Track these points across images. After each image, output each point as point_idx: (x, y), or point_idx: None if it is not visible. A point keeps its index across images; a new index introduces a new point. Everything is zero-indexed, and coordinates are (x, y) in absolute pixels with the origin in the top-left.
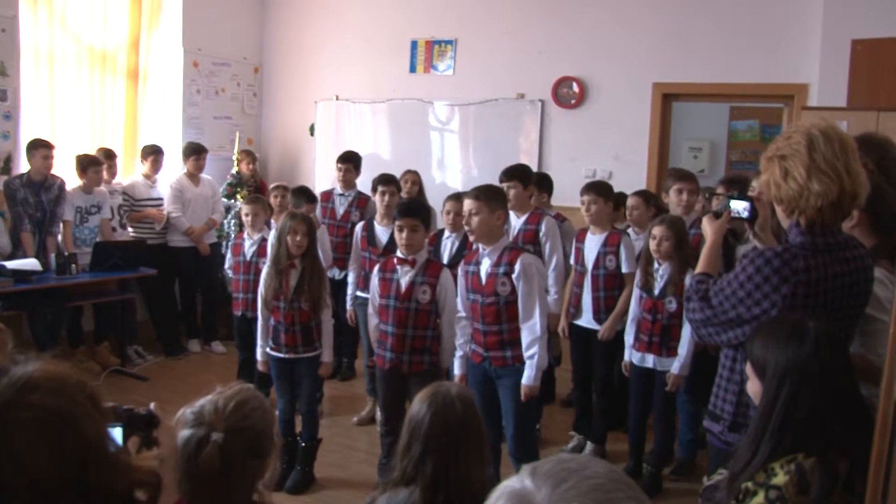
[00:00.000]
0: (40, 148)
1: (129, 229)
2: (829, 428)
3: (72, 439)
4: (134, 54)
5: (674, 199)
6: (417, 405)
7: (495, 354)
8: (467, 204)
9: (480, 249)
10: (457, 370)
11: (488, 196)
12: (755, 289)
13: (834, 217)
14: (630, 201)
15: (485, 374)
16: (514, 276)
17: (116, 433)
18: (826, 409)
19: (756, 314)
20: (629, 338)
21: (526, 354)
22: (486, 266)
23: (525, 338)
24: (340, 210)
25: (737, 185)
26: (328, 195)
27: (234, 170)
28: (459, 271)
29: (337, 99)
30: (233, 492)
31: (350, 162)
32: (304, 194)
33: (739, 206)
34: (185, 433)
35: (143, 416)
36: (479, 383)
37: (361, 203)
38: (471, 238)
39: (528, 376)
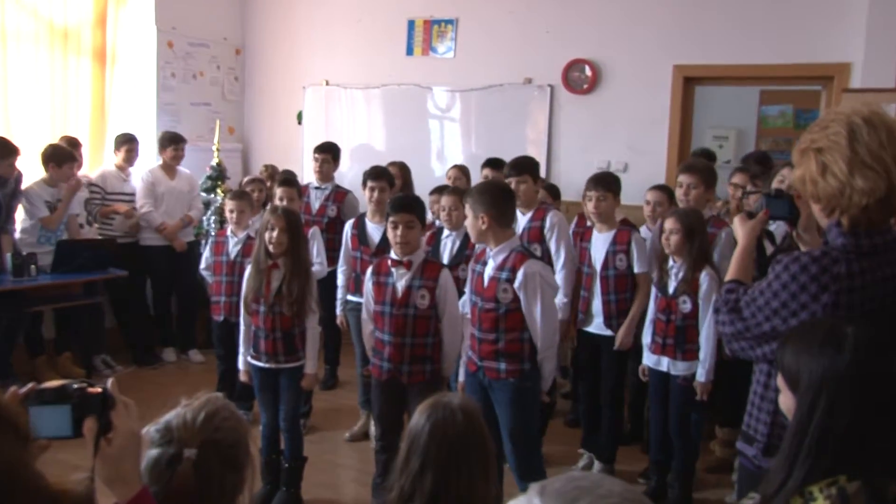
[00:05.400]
0: (6, 157)
1: (98, 225)
2: (873, 446)
3: None
4: (100, 32)
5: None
6: (417, 417)
7: (489, 365)
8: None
9: (487, 249)
10: (460, 376)
11: (475, 198)
12: (791, 298)
13: (882, 215)
14: (651, 196)
15: (480, 385)
16: (515, 284)
17: (64, 414)
18: (868, 424)
19: (793, 327)
20: (646, 339)
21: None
22: (490, 268)
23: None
24: (316, 204)
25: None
26: (304, 189)
27: (215, 161)
28: (469, 269)
29: (327, 84)
30: None
31: (328, 152)
32: (286, 181)
33: (777, 204)
34: (151, 453)
35: (97, 397)
36: (476, 393)
37: (339, 197)
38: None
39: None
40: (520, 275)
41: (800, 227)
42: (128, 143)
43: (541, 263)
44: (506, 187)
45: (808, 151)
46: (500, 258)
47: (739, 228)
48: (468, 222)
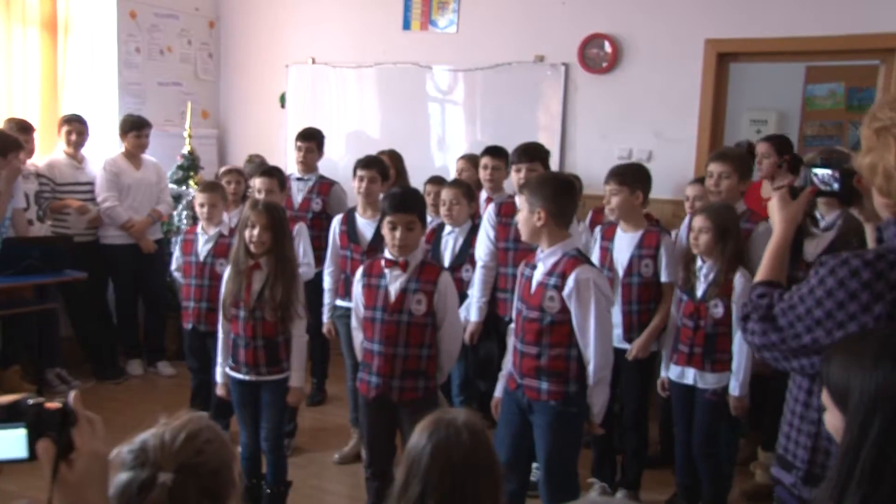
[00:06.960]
0: None
1: (51, 222)
2: None
3: None
4: None
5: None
6: (417, 436)
7: (530, 384)
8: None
9: (538, 251)
10: (497, 392)
11: (532, 191)
12: (837, 308)
13: None
14: (691, 191)
15: (519, 406)
16: (564, 292)
17: (20, 436)
18: None
19: (841, 336)
20: (666, 349)
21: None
22: (539, 272)
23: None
24: (298, 197)
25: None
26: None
27: (186, 149)
28: (518, 272)
29: (313, 62)
30: None
31: (311, 140)
32: (266, 171)
33: (824, 175)
34: (122, 477)
35: (56, 413)
36: (513, 414)
37: (323, 189)
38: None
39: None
40: (570, 281)
41: (863, 216)
42: (66, 125)
43: (596, 270)
44: (568, 180)
45: (888, 133)
46: (551, 262)
47: (777, 213)
48: (521, 217)
